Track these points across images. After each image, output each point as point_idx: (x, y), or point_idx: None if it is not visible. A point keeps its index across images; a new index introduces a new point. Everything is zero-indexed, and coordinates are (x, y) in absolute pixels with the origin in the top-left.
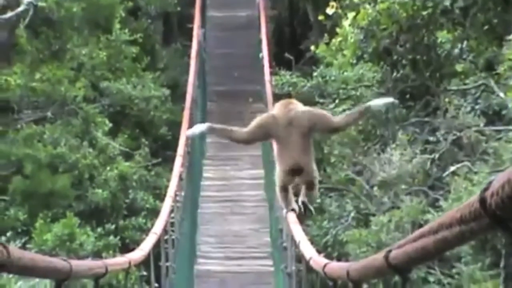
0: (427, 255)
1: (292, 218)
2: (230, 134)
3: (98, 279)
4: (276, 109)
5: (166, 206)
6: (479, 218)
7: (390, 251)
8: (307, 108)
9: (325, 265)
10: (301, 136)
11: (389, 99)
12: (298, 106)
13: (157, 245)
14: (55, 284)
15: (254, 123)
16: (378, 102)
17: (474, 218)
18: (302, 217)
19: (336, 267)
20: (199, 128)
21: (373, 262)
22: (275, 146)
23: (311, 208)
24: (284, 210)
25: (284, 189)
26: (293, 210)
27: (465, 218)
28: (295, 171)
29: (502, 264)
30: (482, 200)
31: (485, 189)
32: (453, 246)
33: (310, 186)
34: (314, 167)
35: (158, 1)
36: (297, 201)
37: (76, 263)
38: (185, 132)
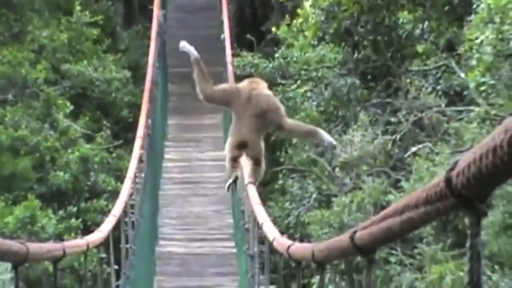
0: (392, 235)
1: (254, 198)
2: (202, 80)
3: (56, 262)
4: (243, 83)
5: (125, 188)
6: (444, 198)
7: (355, 232)
8: (270, 93)
9: (289, 247)
10: (255, 115)
11: (333, 141)
12: (263, 88)
13: (117, 227)
14: (11, 267)
15: (221, 86)
16: (328, 137)
17: (440, 198)
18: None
19: (300, 248)
20: (191, 49)
21: (338, 243)
22: (232, 118)
23: (255, 183)
24: (245, 182)
25: (233, 160)
26: (236, 178)
27: (430, 198)
28: (241, 146)
29: (468, 244)
30: (448, 180)
31: (451, 169)
32: (419, 226)
33: (256, 161)
34: (262, 145)
35: None
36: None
37: (33, 246)
38: (180, 44)
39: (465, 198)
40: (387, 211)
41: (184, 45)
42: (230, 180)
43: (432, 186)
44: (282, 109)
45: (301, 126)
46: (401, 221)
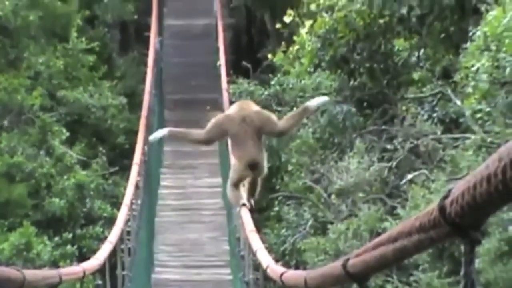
0: (385, 263)
1: (249, 225)
2: (189, 136)
3: None
4: (231, 109)
5: (121, 215)
6: (438, 226)
7: (348, 259)
8: (258, 108)
9: (282, 274)
10: (254, 133)
11: (324, 98)
12: (252, 106)
13: (113, 254)
14: None
15: (210, 123)
16: (314, 102)
17: (434, 226)
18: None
19: (293, 275)
20: (161, 132)
21: (331, 270)
22: (230, 143)
23: (253, 201)
24: (238, 208)
25: (236, 185)
26: (244, 205)
27: (424, 226)
28: (252, 166)
29: (462, 272)
30: (442, 208)
31: (445, 197)
32: (412, 254)
33: (256, 181)
34: (266, 163)
35: (115, 9)
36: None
37: (29, 273)
38: (149, 138)
39: (459, 226)
40: (381, 238)
41: (151, 138)
42: (244, 199)
43: (426, 214)
44: (273, 116)
45: (293, 117)
46: (394, 248)
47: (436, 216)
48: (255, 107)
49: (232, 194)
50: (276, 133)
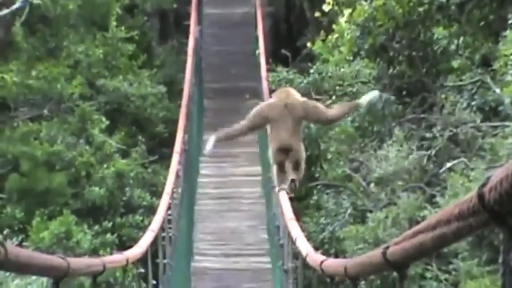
0: (424, 251)
1: (288, 214)
2: (233, 133)
3: (96, 276)
4: (273, 97)
5: (163, 203)
6: (477, 213)
7: (387, 247)
8: (303, 99)
9: (321, 262)
10: (293, 120)
11: (375, 93)
12: (295, 95)
13: (154, 243)
14: (52, 282)
15: (252, 113)
16: (366, 98)
17: (473, 213)
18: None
19: (333, 264)
20: (210, 143)
21: (371, 258)
22: (269, 128)
23: (297, 184)
24: (277, 188)
25: (280, 166)
26: (283, 189)
27: (463, 214)
28: (284, 150)
29: (500, 259)
30: (481, 196)
31: (483, 185)
32: (451, 242)
33: (297, 163)
34: (302, 148)
35: None
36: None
37: (73, 261)
38: (204, 153)
39: (497, 214)
40: (420, 226)
41: (206, 152)
42: (278, 188)
43: (465, 202)
44: (319, 105)
45: (344, 109)
46: (433, 236)
47: (475, 203)
48: (299, 97)
49: (276, 175)
50: (324, 121)
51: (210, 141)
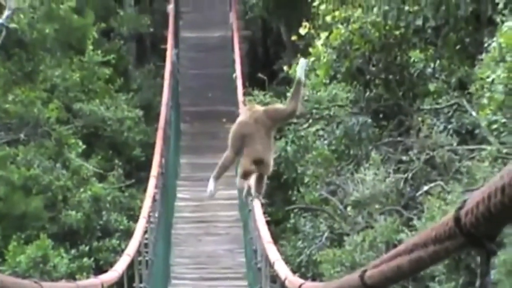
0: (402, 274)
1: (266, 237)
2: (225, 164)
3: None
4: (241, 115)
5: (139, 227)
6: (454, 237)
7: (365, 270)
8: (263, 107)
9: (300, 285)
10: (265, 132)
11: (302, 61)
12: (258, 108)
13: (130, 267)
14: None
15: (230, 137)
16: (300, 72)
17: (449, 237)
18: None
19: (312, 287)
20: (211, 186)
21: (349, 282)
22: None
23: (256, 194)
24: (250, 198)
25: (245, 177)
26: (249, 190)
27: (440, 237)
28: (257, 162)
29: (477, 283)
30: (457, 219)
31: (460, 208)
32: (428, 265)
33: (262, 178)
34: (272, 163)
35: (131, 22)
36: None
37: (47, 285)
38: (207, 196)
39: (474, 237)
40: (397, 249)
41: (208, 195)
42: (245, 190)
43: (441, 225)
44: (278, 106)
45: (294, 96)
46: (410, 259)
47: (452, 226)
48: (260, 108)
49: (240, 182)
50: (287, 117)
51: (210, 183)
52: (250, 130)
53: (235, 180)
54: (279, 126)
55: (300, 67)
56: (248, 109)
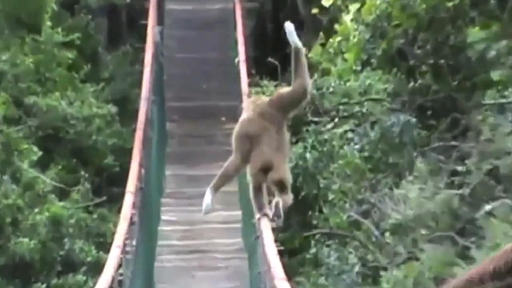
0: None
1: (278, 272)
2: (229, 174)
3: None
4: (245, 110)
5: (112, 259)
6: None
7: None
8: (268, 99)
9: None
10: (275, 129)
11: (290, 24)
12: (263, 99)
13: None
14: None
15: (233, 141)
16: (293, 39)
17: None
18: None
19: None
20: (207, 198)
21: None
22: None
23: (282, 214)
24: (257, 215)
25: (258, 189)
26: (266, 215)
27: (499, 271)
28: (265, 168)
29: None
30: None
31: None
32: None
33: (282, 187)
34: (287, 167)
35: None
36: (270, 203)
37: None
38: (202, 212)
39: None
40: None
41: (204, 211)
42: (259, 216)
43: (502, 255)
44: (282, 91)
45: (298, 70)
46: None
47: None
48: (264, 99)
49: (254, 199)
50: (298, 99)
51: (207, 196)
52: (256, 129)
53: (236, 198)
54: (292, 115)
55: (289, 32)
56: (252, 101)
